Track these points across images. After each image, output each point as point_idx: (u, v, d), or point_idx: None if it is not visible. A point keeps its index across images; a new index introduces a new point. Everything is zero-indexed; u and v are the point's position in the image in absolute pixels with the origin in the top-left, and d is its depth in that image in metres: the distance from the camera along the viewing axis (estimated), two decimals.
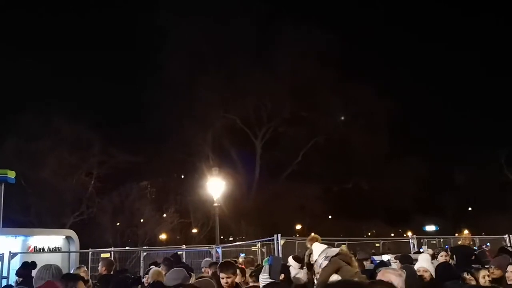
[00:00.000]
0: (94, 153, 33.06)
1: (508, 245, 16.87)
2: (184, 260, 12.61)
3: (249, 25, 38.54)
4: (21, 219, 25.74)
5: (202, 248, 16.54)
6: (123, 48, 45.51)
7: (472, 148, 46.08)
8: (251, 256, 12.12)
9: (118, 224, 35.12)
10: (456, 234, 41.20)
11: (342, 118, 42.19)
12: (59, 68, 39.89)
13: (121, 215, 33.82)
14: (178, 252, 13.53)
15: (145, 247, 19.31)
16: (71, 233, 15.82)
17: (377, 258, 10.68)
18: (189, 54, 38.67)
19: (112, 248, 18.17)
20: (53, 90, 32.88)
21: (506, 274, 5.86)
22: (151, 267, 8.60)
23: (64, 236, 15.12)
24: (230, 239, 39.42)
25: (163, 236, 37.93)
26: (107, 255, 15.68)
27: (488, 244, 20.46)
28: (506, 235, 19.51)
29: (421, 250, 17.35)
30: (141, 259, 14.78)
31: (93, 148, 32.97)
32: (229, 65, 38.95)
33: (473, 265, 7.09)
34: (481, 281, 5.75)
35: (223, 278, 5.48)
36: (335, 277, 5.46)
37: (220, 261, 10.22)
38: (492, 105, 47.51)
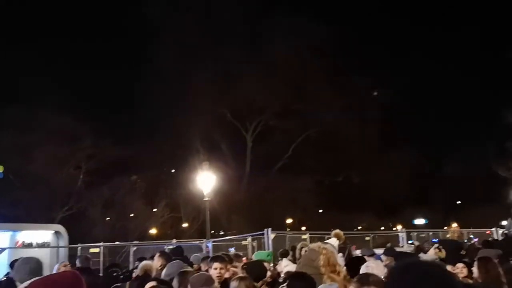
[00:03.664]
0: (84, 147, 32.73)
1: (495, 237, 17.08)
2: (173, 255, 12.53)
3: (241, 17, 38.32)
4: (9, 213, 25.42)
5: (193, 242, 16.50)
6: (113, 40, 44.97)
7: (462, 141, 46.57)
8: (240, 253, 12.07)
9: (108, 218, 34.93)
10: (445, 227, 41.62)
11: (375, 93, 41.78)
12: (47, 59, 39.31)
13: (111, 210, 33.64)
14: (169, 247, 13.46)
15: (135, 242, 19.19)
16: (60, 228, 15.70)
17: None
18: (180, 46, 38.34)
19: (102, 243, 18.04)
20: (41, 82, 32.37)
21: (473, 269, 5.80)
22: (141, 262, 8.54)
23: (53, 231, 15.02)
24: (221, 233, 39.41)
25: (153, 231, 37.87)
26: (97, 250, 15.61)
27: (476, 239, 20.67)
28: (494, 228, 19.77)
29: (409, 242, 17.52)
30: (131, 254, 14.70)
31: (82, 142, 32.65)
32: (220, 58, 38.73)
33: (463, 260, 7.12)
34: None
35: (216, 269, 5.46)
36: None
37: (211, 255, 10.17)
38: (481, 99, 47.88)
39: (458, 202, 53.71)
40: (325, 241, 8.24)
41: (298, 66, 38.25)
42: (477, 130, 43.78)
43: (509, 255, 6.49)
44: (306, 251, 7.44)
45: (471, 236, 21.13)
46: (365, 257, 8.88)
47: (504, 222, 17.06)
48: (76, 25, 43.43)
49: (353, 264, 5.75)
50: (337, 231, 9.96)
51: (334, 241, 8.88)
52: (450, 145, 51.03)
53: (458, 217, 49.71)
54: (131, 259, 14.26)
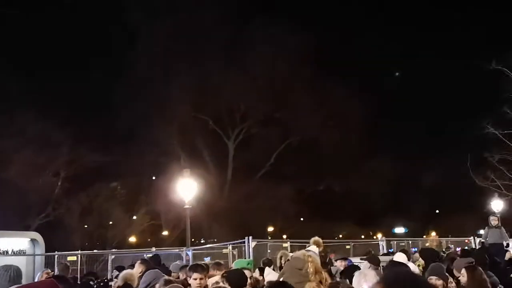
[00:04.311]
0: (62, 153, 32.21)
1: (473, 246, 17.33)
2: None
3: (221, 25, 38.43)
4: None
5: (172, 250, 16.31)
6: (92, 46, 44.40)
7: (441, 151, 47.23)
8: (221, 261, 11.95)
9: (86, 226, 34.39)
10: (424, 236, 42.11)
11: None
12: (23, 64, 38.62)
13: (89, 217, 33.14)
14: (148, 255, 13.28)
15: (113, 250, 18.89)
16: (37, 235, 15.36)
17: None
18: (160, 53, 38.26)
19: (79, 251, 17.70)
20: (18, 87, 31.78)
21: (460, 278, 5.90)
22: (120, 271, 8.40)
23: (29, 239, 14.68)
24: (202, 241, 39.13)
25: (133, 239, 37.38)
26: (74, 258, 15.30)
27: (452, 246, 20.97)
28: (471, 237, 20.06)
29: (390, 251, 17.64)
30: (109, 262, 14.46)
31: (60, 148, 32.12)
32: (201, 65, 38.71)
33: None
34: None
35: (195, 279, 5.38)
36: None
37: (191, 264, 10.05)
38: (460, 109, 48.79)
39: (437, 211, 54.43)
40: (306, 249, 8.23)
41: (279, 74, 38.49)
42: (455, 140, 44.47)
43: (481, 264, 6.56)
44: (288, 259, 7.42)
45: (450, 245, 21.41)
46: (338, 261, 8.94)
47: (481, 231, 17.31)
48: (54, 31, 42.81)
49: (349, 271, 5.82)
50: (316, 238, 9.97)
51: (314, 249, 8.89)
52: (429, 155, 51.72)
53: (437, 226, 50.52)
54: (109, 267, 14.04)
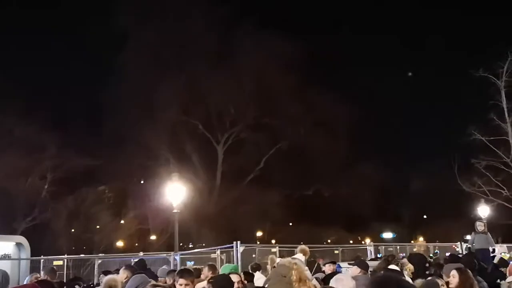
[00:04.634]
0: (49, 156, 31.83)
1: (460, 251, 17.45)
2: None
3: (212, 30, 38.55)
4: None
5: (160, 255, 16.19)
6: (81, 49, 44.24)
7: (428, 157, 47.66)
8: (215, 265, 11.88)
9: (73, 230, 34.02)
10: (412, 241, 42.35)
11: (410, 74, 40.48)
12: (10, 66, 38.30)
13: (76, 221, 32.76)
14: (135, 260, 13.15)
15: (100, 255, 18.69)
16: (22, 239, 15.19)
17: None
18: (150, 57, 38.11)
19: (66, 256, 17.51)
20: (5, 90, 31.45)
21: (449, 279, 5.95)
22: (106, 276, 8.29)
23: (14, 243, 14.52)
24: (190, 246, 38.91)
25: (120, 243, 37.02)
26: (60, 262, 15.14)
27: (438, 251, 21.09)
28: (458, 243, 20.20)
29: (379, 256, 17.69)
30: (96, 267, 14.30)
31: (47, 151, 31.75)
32: (191, 70, 38.68)
33: (427, 272, 7.22)
34: None
35: (181, 285, 5.32)
36: None
37: (179, 268, 9.97)
38: (447, 115, 49.34)
39: (425, 216, 54.79)
40: (293, 257, 8.21)
41: (269, 80, 38.55)
42: (443, 146, 44.94)
43: (470, 270, 6.60)
44: (274, 266, 7.41)
45: (437, 251, 21.54)
46: (326, 265, 8.94)
47: (468, 237, 17.45)
48: (43, 34, 42.60)
49: (329, 278, 5.81)
50: (303, 246, 9.95)
51: (301, 257, 8.87)
52: (417, 161, 52.17)
53: (424, 231, 50.83)
54: (95, 272, 13.87)
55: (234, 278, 5.72)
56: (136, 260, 10.74)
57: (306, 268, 7.82)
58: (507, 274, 7.43)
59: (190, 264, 13.32)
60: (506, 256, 9.66)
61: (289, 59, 37.63)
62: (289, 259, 4.83)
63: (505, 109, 24.49)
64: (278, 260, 8.67)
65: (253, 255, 14.76)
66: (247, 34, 38.95)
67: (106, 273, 8.87)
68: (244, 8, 42.19)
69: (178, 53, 39.06)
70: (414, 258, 8.47)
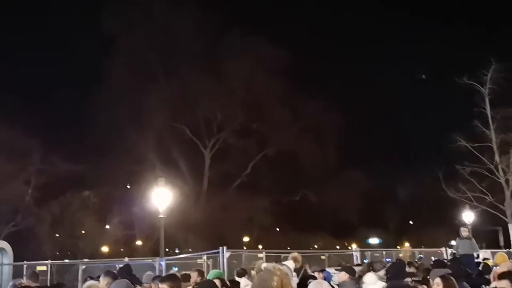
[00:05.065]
0: (33, 161, 31.44)
1: (445, 257, 17.58)
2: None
3: (200, 36, 38.59)
4: None
5: (145, 261, 16.04)
6: (67, 53, 43.76)
7: (415, 163, 48.04)
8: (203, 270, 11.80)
9: (57, 235, 33.59)
10: (398, 247, 42.56)
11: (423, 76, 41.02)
12: None
13: (61, 226, 32.38)
14: (120, 265, 13.00)
15: (84, 260, 18.44)
16: (5, 244, 14.97)
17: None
18: (138, 61, 38.05)
19: (49, 261, 17.24)
20: None
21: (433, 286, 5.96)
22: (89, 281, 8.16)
23: None
24: (177, 251, 38.65)
25: (105, 249, 36.62)
26: (44, 268, 14.92)
27: (422, 256, 21.22)
28: (443, 248, 20.36)
29: (365, 261, 17.75)
30: (80, 272, 14.09)
31: (32, 156, 31.36)
32: (179, 75, 38.64)
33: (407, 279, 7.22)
34: None
35: None
36: None
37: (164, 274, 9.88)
38: (433, 122, 49.85)
39: (411, 222, 55.14)
40: (282, 263, 8.18)
41: (257, 86, 38.66)
42: (429, 152, 45.33)
43: (458, 275, 6.63)
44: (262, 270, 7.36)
45: (421, 255, 21.68)
46: (316, 273, 8.90)
47: (453, 242, 17.59)
48: (29, 38, 42.15)
49: (302, 283, 5.78)
50: (295, 254, 9.91)
51: (291, 264, 8.84)
52: (403, 167, 52.52)
53: (410, 237, 51.14)
54: (80, 278, 13.66)
55: (216, 283, 5.68)
56: (121, 265, 10.59)
57: (294, 275, 7.79)
58: (491, 280, 7.48)
59: (174, 270, 13.20)
60: (490, 262, 9.74)
61: (277, 66, 37.84)
62: (274, 264, 4.79)
63: (489, 116, 24.83)
64: (265, 265, 8.63)
65: (240, 261, 14.69)
66: (235, 41, 39.12)
67: (87, 280, 8.72)
68: (233, 14, 42.35)
69: (166, 58, 39.06)
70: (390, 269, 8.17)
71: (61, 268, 16.87)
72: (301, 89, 39.74)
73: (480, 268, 10.94)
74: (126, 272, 7.88)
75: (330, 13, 58.31)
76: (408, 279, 6.30)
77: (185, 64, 38.80)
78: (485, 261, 11.12)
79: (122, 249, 36.54)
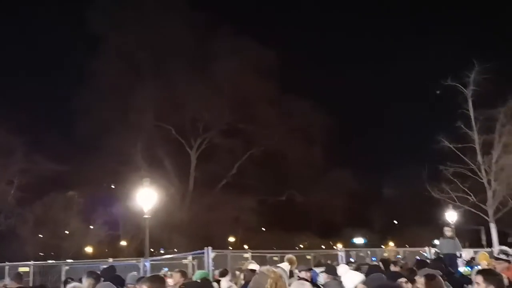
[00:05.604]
0: (16, 160, 30.95)
1: (428, 256, 17.78)
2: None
3: (187, 35, 38.40)
4: None
5: (130, 261, 15.92)
6: (52, 51, 43.28)
7: (399, 164, 48.51)
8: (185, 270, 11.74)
9: (40, 236, 33.17)
10: (383, 246, 42.90)
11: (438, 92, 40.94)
12: None
13: (44, 227, 31.95)
14: (104, 266, 12.87)
15: (68, 261, 18.24)
16: None
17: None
18: (124, 60, 37.72)
19: (32, 262, 16.98)
20: None
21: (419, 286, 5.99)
22: (67, 284, 8.10)
23: None
24: (162, 251, 38.44)
25: (89, 249, 36.27)
26: (27, 269, 14.75)
27: (400, 256, 21.43)
28: (426, 248, 20.59)
29: (352, 260, 17.88)
30: (63, 273, 13.95)
31: (15, 155, 30.86)
32: (165, 74, 38.40)
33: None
34: None
35: None
36: None
37: (148, 275, 9.80)
38: (417, 123, 50.46)
39: (395, 222, 55.64)
40: (277, 265, 8.18)
41: (244, 86, 38.61)
42: (413, 153, 45.87)
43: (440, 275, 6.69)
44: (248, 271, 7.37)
45: (398, 255, 21.91)
46: (303, 272, 8.92)
47: (436, 241, 17.80)
48: (13, 35, 41.54)
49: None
50: (290, 256, 9.94)
51: (286, 266, 8.85)
52: (388, 168, 53.06)
53: (394, 236, 51.61)
54: (63, 279, 13.52)
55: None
56: (105, 266, 10.52)
57: (296, 273, 7.80)
58: (473, 276, 7.56)
59: (164, 271, 13.12)
60: (468, 271, 9.86)
61: (265, 66, 37.95)
62: (268, 267, 4.80)
63: (472, 118, 25.12)
64: (252, 266, 8.62)
65: (227, 261, 14.66)
66: (223, 40, 39.05)
67: (67, 281, 8.62)
68: (221, 14, 42.32)
69: (152, 57, 38.77)
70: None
71: (44, 269, 16.66)
72: (288, 90, 39.91)
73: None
74: (110, 274, 7.79)
75: (319, 14, 58.81)
76: (403, 279, 6.30)
77: (172, 63, 38.62)
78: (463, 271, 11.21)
79: (106, 250, 36.19)
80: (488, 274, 5.25)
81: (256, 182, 39.37)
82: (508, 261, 7.55)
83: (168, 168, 39.33)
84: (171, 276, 8.36)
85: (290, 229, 42.68)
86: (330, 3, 61.00)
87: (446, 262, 11.17)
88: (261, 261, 13.42)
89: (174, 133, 39.37)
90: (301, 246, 48.27)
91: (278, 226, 42.81)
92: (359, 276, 6.39)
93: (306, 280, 7.15)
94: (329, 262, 14.18)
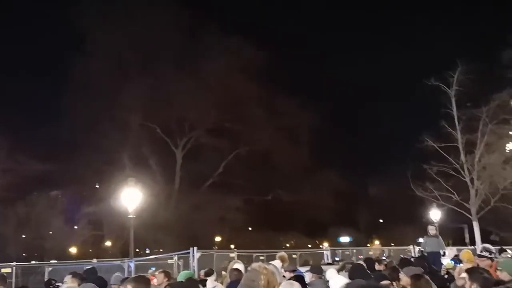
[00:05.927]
0: None
1: (412, 254, 17.95)
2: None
3: (175, 34, 38.20)
4: None
5: (114, 262, 15.76)
6: (38, 49, 42.62)
7: (384, 163, 48.93)
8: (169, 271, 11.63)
9: (23, 236, 32.71)
10: (368, 245, 43.20)
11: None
12: None
13: (27, 227, 31.52)
14: (93, 266, 12.72)
15: (51, 262, 17.98)
16: None
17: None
18: (110, 58, 37.32)
19: (14, 263, 16.69)
20: None
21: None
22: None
23: None
24: (147, 251, 38.17)
25: (73, 250, 35.88)
26: (9, 270, 14.49)
27: (385, 255, 21.63)
28: (411, 246, 20.78)
29: (337, 259, 17.97)
30: (46, 274, 13.73)
31: None
32: (152, 73, 38.14)
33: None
34: None
35: None
36: None
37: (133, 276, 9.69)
38: (401, 124, 50.97)
39: (380, 221, 56.08)
40: (269, 262, 8.17)
41: (231, 85, 38.52)
42: (398, 153, 46.28)
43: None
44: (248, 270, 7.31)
45: (385, 254, 22.11)
46: (287, 272, 8.90)
47: (421, 240, 17.99)
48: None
49: None
50: (282, 253, 9.93)
51: (278, 263, 8.84)
52: (373, 167, 53.45)
53: (380, 235, 52.04)
54: (46, 280, 13.30)
55: None
56: (88, 268, 10.37)
57: (281, 273, 7.77)
58: (455, 277, 7.64)
59: (152, 270, 12.99)
60: (451, 265, 9.97)
61: (252, 65, 37.92)
62: (260, 263, 4.78)
63: (455, 117, 25.39)
64: (236, 265, 8.58)
65: (213, 261, 14.61)
66: (210, 40, 38.92)
67: (49, 282, 8.49)
68: (208, 14, 42.11)
69: (139, 56, 38.44)
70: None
71: (27, 270, 16.38)
72: (275, 89, 39.93)
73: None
74: (92, 275, 7.70)
75: (306, 15, 58.96)
76: (386, 282, 6.33)
77: (159, 62, 38.39)
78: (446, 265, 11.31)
79: (90, 250, 35.82)
80: (473, 272, 5.30)
81: (243, 182, 39.34)
82: (491, 259, 7.64)
83: (153, 168, 39.06)
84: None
85: (277, 228, 42.74)
86: (319, 3, 61.20)
87: (430, 260, 11.26)
88: (248, 261, 13.40)
89: (159, 132, 39.10)
90: (288, 245, 48.37)
91: (265, 226, 42.83)
92: (344, 280, 6.44)
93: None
94: (311, 262, 14.17)
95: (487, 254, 7.65)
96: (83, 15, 36.39)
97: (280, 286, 4.42)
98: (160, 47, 38.26)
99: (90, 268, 9.09)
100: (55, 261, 21.90)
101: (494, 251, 8.86)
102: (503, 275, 5.95)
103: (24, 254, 32.58)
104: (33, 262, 24.17)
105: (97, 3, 37.18)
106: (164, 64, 38.13)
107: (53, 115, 37.62)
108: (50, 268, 14.19)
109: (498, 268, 6.39)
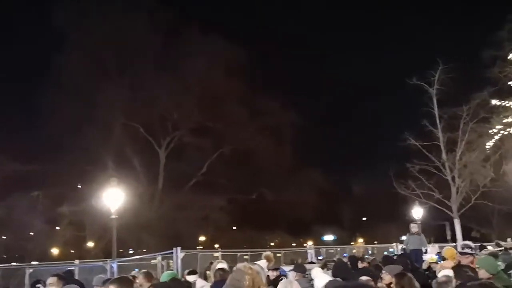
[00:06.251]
0: None
1: (395, 252, 18.12)
2: (77, 277, 11.65)
3: (156, 33, 38.00)
4: None
5: (96, 263, 15.58)
6: (17, 49, 41.83)
7: (368, 162, 49.42)
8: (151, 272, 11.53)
9: (4, 238, 32.17)
10: (352, 243, 43.58)
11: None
12: None
13: (7, 228, 30.99)
14: (69, 268, 12.54)
15: (32, 263, 17.69)
16: None
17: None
18: (91, 58, 36.91)
19: None
20: None
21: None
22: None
23: None
24: (130, 252, 37.83)
25: (55, 251, 35.39)
26: None
27: (369, 253, 21.85)
28: (394, 244, 20.99)
29: (320, 258, 18.04)
30: (27, 276, 13.51)
31: None
32: (133, 73, 37.87)
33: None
34: None
35: None
36: None
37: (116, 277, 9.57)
38: (385, 122, 51.45)
39: (364, 219, 56.61)
40: (255, 262, 8.15)
41: (213, 84, 38.44)
42: (381, 151, 46.77)
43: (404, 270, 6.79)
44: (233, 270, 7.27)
45: (369, 252, 22.32)
46: (270, 271, 8.91)
47: (403, 237, 18.17)
48: None
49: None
50: (268, 253, 9.94)
51: (263, 263, 8.82)
52: (356, 166, 53.90)
53: (363, 233, 52.59)
54: (27, 281, 13.11)
55: None
56: (65, 271, 10.22)
57: (266, 273, 7.77)
58: (437, 273, 7.71)
59: (135, 272, 12.86)
60: (434, 259, 10.08)
61: (235, 64, 37.86)
62: (245, 263, 4.76)
63: (437, 116, 25.69)
64: (220, 265, 8.54)
65: (197, 261, 14.54)
66: (192, 38, 38.71)
67: (37, 283, 8.36)
68: (190, 12, 41.95)
69: (120, 55, 38.05)
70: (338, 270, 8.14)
71: (7, 272, 16.12)
72: (258, 88, 39.99)
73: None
74: (69, 278, 7.58)
75: (289, 14, 59.09)
76: (365, 278, 6.36)
77: (140, 61, 38.12)
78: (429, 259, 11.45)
79: (72, 251, 35.38)
80: (458, 269, 5.38)
81: (226, 181, 39.31)
82: (472, 255, 7.74)
83: (136, 167, 38.73)
84: None
85: (261, 228, 42.78)
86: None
87: (412, 258, 11.37)
88: (232, 260, 13.37)
89: (142, 131, 38.79)
90: (272, 244, 48.46)
91: (249, 225, 42.85)
92: (329, 279, 6.48)
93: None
94: (295, 261, 14.22)
95: (468, 250, 7.74)
96: (62, 14, 35.94)
97: (280, 284, 4.41)
98: (140, 46, 38.07)
99: (66, 271, 8.96)
100: (37, 263, 21.56)
101: (474, 247, 8.96)
102: (481, 273, 6.02)
103: (4, 256, 32.04)
104: (13, 264, 23.73)
105: (76, 2, 36.76)
106: (145, 63, 37.99)
107: (33, 115, 37.03)
108: (31, 270, 13.97)
109: (476, 265, 6.45)
